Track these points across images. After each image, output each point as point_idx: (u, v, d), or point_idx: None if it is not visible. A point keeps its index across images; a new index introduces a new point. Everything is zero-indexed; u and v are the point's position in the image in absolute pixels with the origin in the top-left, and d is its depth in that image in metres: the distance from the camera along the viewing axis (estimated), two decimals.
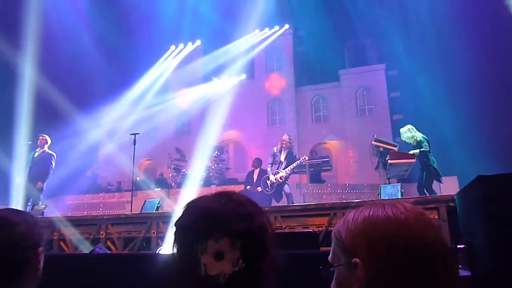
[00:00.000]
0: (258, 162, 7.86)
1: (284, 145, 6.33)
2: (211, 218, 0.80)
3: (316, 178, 9.45)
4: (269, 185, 6.35)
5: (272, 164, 6.38)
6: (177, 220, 0.82)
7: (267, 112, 15.12)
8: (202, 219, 0.80)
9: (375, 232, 0.70)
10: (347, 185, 8.97)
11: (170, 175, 10.44)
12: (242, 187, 7.93)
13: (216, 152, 10.71)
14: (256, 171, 7.73)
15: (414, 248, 0.68)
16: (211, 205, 0.82)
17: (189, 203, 0.84)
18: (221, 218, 0.79)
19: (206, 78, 14.09)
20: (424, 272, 0.67)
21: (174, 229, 0.81)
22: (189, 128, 14.69)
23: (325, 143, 14.27)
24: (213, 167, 10.61)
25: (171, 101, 14.84)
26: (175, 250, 0.80)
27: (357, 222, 0.72)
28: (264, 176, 6.54)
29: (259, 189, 7.37)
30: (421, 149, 5.36)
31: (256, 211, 0.82)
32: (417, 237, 0.69)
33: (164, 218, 4.61)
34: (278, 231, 4.24)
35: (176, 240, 0.81)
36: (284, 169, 6.24)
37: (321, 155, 10.06)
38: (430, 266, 0.67)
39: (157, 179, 11.44)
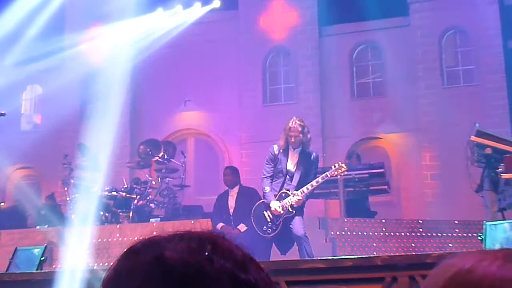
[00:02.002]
0: (234, 175, 8.38)
1: (293, 140, 6.75)
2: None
3: (358, 207, 9.72)
4: (268, 219, 6.76)
5: (270, 177, 6.84)
6: None
7: (262, 75, 15.33)
8: None
9: None
10: (420, 222, 9.19)
11: (67, 196, 10.77)
12: (207, 222, 8.39)
13: (161, 154, 11.26)
14: (233, 193, 8.20)
15: None
16: (185, 260, 0.89)
17: (135, 253, 0.91)
18: None
19: (143, 7, 14.09)
20: None
21: None
22: (103, 107, 14.39)
23: (377, 138, 14.49)
24: (153, 183, 11.26)
25: (70, 51, 14.88)
26: None
27: None
28: (258, 203, 6.93)
29: (242, 228, 7.85)
30: None
31: (261, 279, 0.91)
32: None
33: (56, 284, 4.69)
34: None
35: None
36: (297, 186, 6.70)
37: (369, 163, 10.35)
38: None
39: (44, 205, 11.65)
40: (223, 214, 8.18)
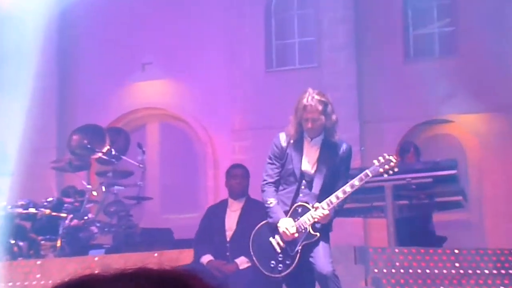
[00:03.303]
0: (246, 179, 8.57)
1: (310, 125, 6.89)
2: None
3: (417, 230, 9.99)
4: (277, 249, 6.95)
5: (275, 183, 7.06)
6: None
7: (265, 25, 15.55)
8: None
9: None
10: None
11: None
12: (186, 257, 8.59)
13: (106, 149, 11.52)
14: (236, 207, 8.42)
15: None
16: None
17: None
18: None
19: None
20: None
21: None
22: (13, 76, 14.34)
23: (446, 121, 14.73)
24: (94, 194, 11.52)
25: None
26: None
27: None
28: (259, 227, 7.13)
29: (242, 264, 7.99)
30: None
31: None
32: None
33: None
34: None
35: None
36: (319, 196, 6.85)
37: (434, 160, 10.32)
38: None
39: None
40: (214, 239, 8.20)
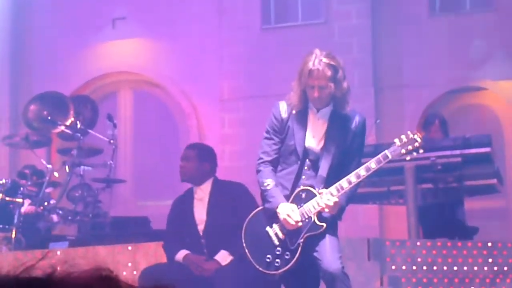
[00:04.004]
0: (202, 160, 8.57)
1: (316, 93, 6.84)
2: None
3: (443, 219, 10.01)
4: (275, 241, 6.91)
5: (272, 162, 7.04)
6: None
7: None
8: None
9: None
10: None
11: None
12: (155, 248, 8.75)
13: (69, 121, 11.57)
14: (202, 194, 8.49)
15: None
16: None
17: None
18: None
19: None
20: None
21: None
22: None
23: (479, 89, 14.77)
24: (55, 175, 11.65)
25: None
26: None
27: None
28: (253, 214, 7.11)
29: (223, 259, 8.08)
30: None
31: None
32: None
33: None
34: None
35: None
36: (327, 179, 6.83)
37: (464, 136, 10.37)
38: None
39: None
40: (185, 234, 8.22)
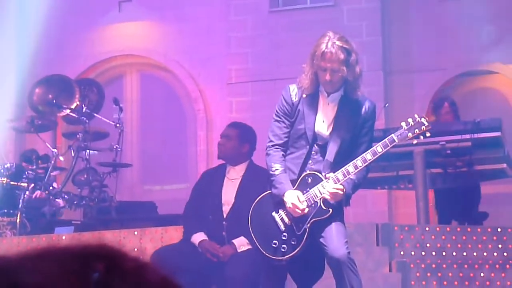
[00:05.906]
0: (243, 140, 8.57)
1: (328, 77, 6.80)
2: None
3: (453, 205, 9.95)
4: (281, 226, 6.93)
5: (282, 146, 7.05)
6: None
7: None
8: None
9: None
10: None
11: None
12: (172, 235, 8.81)
13: (75, 104, 11.56)
14: (235, 175, 8.48)
15: None
16: None
17: None
18: None
19: None
20: None
21: None
22: None
23: (489, 72, 14.77)
24: (61, 159, 11.63)
25: None
26: None
27: None
28: (260, 198, 7.13)
29: (240, 245, 8.08)
30: None
31: None
32: None
33: None
34: None
35: None
36: (333, 164, 6.84)
37: (474, 120, 10.32)
38: None
39: None
40: (208, 216, 8.13)
